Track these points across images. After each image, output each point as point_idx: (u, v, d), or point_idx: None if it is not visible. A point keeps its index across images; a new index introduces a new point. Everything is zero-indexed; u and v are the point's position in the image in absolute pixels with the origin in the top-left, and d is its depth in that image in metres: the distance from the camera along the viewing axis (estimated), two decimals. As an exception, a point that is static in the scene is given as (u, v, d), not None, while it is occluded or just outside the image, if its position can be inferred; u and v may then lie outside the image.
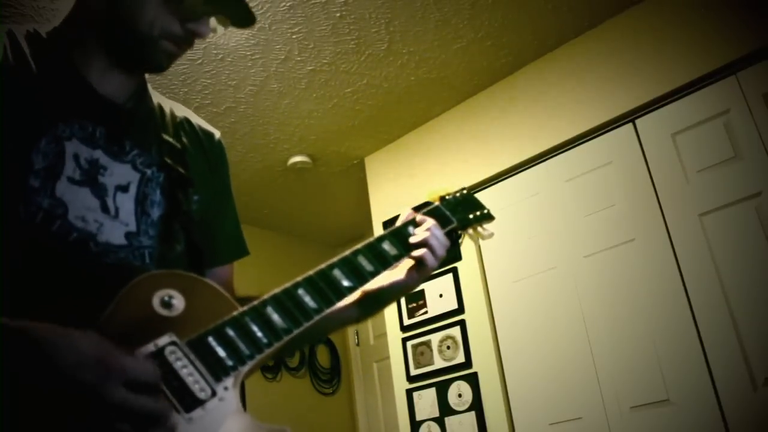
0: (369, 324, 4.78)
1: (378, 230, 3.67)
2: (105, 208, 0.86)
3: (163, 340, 0.71)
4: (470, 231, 1.23)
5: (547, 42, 3.09)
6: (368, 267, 0.97)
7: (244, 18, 1.00)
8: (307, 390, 4.52)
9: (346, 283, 0.92)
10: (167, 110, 1.05)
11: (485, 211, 1.26)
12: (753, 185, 2.48)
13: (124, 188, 0.89)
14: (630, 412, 2.60)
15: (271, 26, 2.74)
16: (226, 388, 0.73)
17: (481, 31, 2.95)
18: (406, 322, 3.38)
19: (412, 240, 1.06)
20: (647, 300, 2.64)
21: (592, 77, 2.99)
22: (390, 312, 3.49)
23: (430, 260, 1.07)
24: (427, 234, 1.07)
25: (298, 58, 2.97)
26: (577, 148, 3.01)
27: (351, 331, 4.91)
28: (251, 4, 2.70)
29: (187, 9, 0.90)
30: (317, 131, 3.56)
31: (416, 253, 1.06)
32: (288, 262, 4.53)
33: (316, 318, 0.85)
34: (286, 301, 0.84)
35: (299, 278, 0.88)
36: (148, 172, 0.93)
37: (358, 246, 0.99)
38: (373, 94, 3.30)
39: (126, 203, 0.89)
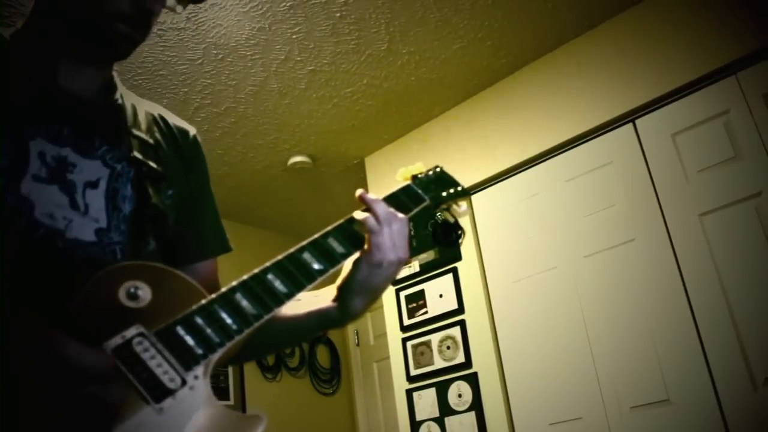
0: (369, 324, 4.78)
1: (378, 230, 3.67)
2: (74, 205, 0.85)
3: (130, 332, 0.71)
4: (444, 208, 1.19)
5: (547, 42, 3.09)
6: (339, 249, 0.95)
7: None
8: (307, 390, 4.53)
9: (316, 266, 0.91)
10: (139, 107, 1.03)
11: (459, 188, 1.20)
12: (753, 185, 2.49)
13: (93, 184, 0.88)
14: (630, 412, 2.61)
15: (271, 26, 2.74)
16: (196, 377, 0.73)
17: (481, 31, 2.95)
18: (406, 322, 3.38)
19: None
20: (647, 300, 2.64)
21: (591, 77, 2.99)
22: (390, 312, 3.49)
23: (381, 250, 0.99)
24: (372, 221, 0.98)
25: (298, 58, 2.97)
26: (577, 148, 3.01)
27: (351, 331, 4.92)
28: (251, 5, 2.69)
29: None
30: (317, 131, 3.56)
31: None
32: (288, 262, 4.52)
33: (287, 302, 0.84)
34: (256, 287, 0.83)
35: (268, 263, 0.87)
36: (118, 167, 0.92)
37: (328, 228, 0.98)
38: (373, 94, 3.31)
39: (96, 199, 0.88)
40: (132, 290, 0.76)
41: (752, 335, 2.37)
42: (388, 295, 3.51)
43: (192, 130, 1.11)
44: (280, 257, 0.89)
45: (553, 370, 2.85)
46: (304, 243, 0.92)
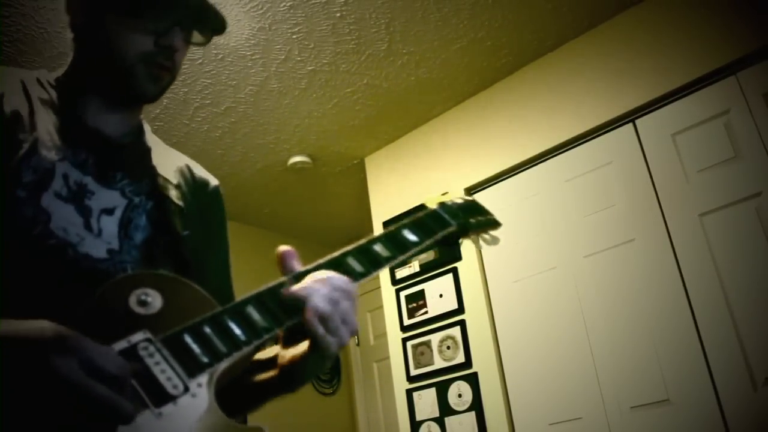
0: (369, 324, 4.78)
1: (378, 230, 3.67)
2: (88, 227, 0.88)
3: (136, 337, 0.71)
4: (473, 236, 1.15)
5: (547, 42, 3.09)
6: (358, 268, 0.91)
7: (214, 22, 1.01)
8: (307, 390, 4.52)
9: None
10: (166, 154, 1.08)
11: (490, 217, 1.18)
12: (753, 185, 2.49)
13: (109, 211, 0.91)
14: (630, 412, 2.60)
15: (271, 26, 2.74)
16: (199, 385, 0.72)
17: (481, 31, 2.95)
18: (406, 322, 3.38)
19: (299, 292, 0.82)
20: (647, 300, 2.64)
21: (592, 77, 2.99)
22: (390, 312, 3.49)
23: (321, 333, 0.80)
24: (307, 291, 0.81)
25: (298, 58, 2.97)
26: (577, 148, 3.01)
27: (351, 331, 4.91)
28: (251, 5, 2.69)
29: (150, 23, 0.93)
30: (317, 131, 3.56)
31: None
32: (288, 262, 4.52)
33: (297, 320, 0.81)
34: (268, 300, 0.82)
35: (283, 278, 0.86)
36: (136, 199, 0.95)
37: (350, 247, 0.94)
38: (373, 94, 3.31)
39: (109, 225, 0.90)
40: (142, 297, 0.76)
41: (752, 335, 2.37)
42: (388, 295, 3.51)
43: (214, 181, 1.14)
44: (298, 271, 0.87)
45: (553, 370, 2.85)
46: (322, 260, 0.89)
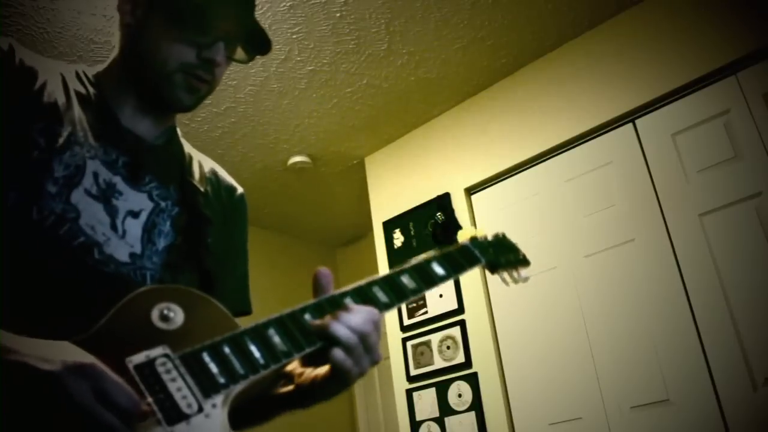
0: (369, 324, 4.78)
1: (378, 230, 3.67)
2: (113, 227, 0.89)
3: (155, 352, 0.70)
4: (502, 274, 1.17)
5: (547, 42, 3.09)
6: (383, 299, 0.91)
7: (261, 43, 1.03)
8: (307, 390, 4.52)
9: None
10: (196, 159, 1.08)
11: (520, 256, 1.20)
12: (753, 185, 2.49)
13: (134, 214, 0.92)
14: (630, 412, 2.60)
15: (271, 26, 2.74)
16: (214, 406, 0.71)
17: (481, 31, 2.95)
18: (406, 322, 3.39)
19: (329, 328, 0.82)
20: (647, 300, 2.64)
21: (592, 77, 2.99)
22: (390, 312, 3.48)
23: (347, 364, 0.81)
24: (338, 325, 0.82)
25: (298, 58, 2.97)
26: (577, 148, 3.01)
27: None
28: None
29: (196, 35, 0.93)
30: (317, 131, 3.56)
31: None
32: (288, 262, 4.53)
33: (319, 345, 0.81)
34: (290, 325, 0.81)
35: (308, 303, 0.85)
36: (163, 204, 0.96)
37: (376, 277, 0.94)
38: (373, 94, 3.30)
39: (134, 228, 0.91)
40: (165, 312, 0.76)
41: (752, 335, 2.37)
42: (388, 295, 3.51)
43: (239, 189, 1.16)
44: (322, 298, 0.86)
45: (553, 370, 2.85)
46: (347, 288, 0.89)
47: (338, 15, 2.74)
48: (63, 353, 0.65)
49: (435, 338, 3.24)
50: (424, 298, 3.33)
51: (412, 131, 3.67)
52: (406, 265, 0.99)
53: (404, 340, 3.37)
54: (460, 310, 3.20)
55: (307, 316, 0.83)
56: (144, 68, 0.94)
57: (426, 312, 3.32)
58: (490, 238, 1.20)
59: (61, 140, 0.86)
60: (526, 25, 2.94)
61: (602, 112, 2.92)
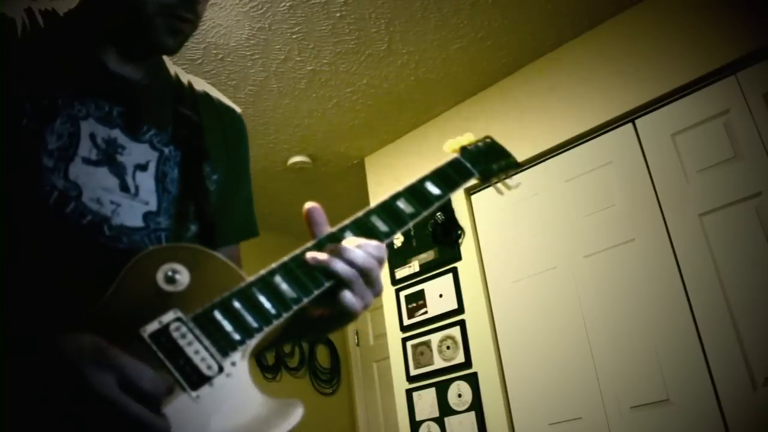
0: (369, 324, 4.78)
1: (378, 230, 3.67)
2: (124, 187, 0.84)
3: (167, 317, 0.69)
4: (494, 182, 1.13)
5: (547, 42, 3.09)
6: (383, 227, 0.89)
7: None
8: (307, 390, 4.52)
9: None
10: (185, 82, 1.02)
11: (510, 160, 1.15)
12: (753, 185, 2.48)
13: (143, 167, 0.87)
14: (630, 412, 2.60)
15: (271, 26, 2.74)
16: (233, 363, 0.71)
17: (481, 31, 2.95)
18: (406, 322, 3.38)
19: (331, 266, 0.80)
20: (647, 300, 2.64)
21: (592, 77, 2.99)
22: (390, 312, 3.49)
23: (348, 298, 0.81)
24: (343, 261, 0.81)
25: (298, 58, 2.97)
26: (577, 148, 3.01)
27: (351, 331, 4.92)
28: (251, 5, 2.68)
29: None
30: (317, 131, 3.56)
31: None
32: (288, 262, 4.52)
33: (327, 286, 0.79)
34: (296, 269, 0.79)
35: (309, 243, 0.83)
36: (166, 150, 0.91)
37: (373, 205, 0.92)
38: (373, 94, 3.30)
39: (146, 181, 0.87)
40: (170, 273, 0.74)
41: (752, 335, 2.37)
42: (388, 295, 3.51)
43: (237, 109, 1.10)
44: (321, 236, 0.84)
45: (553, 370, 2.85)
46: (346, 222, 0.88)
47: (338, 15, 2.74)
48: (80, 343, 0.63)
49: (435, 338, 3.24)
50: (424, 299, 3.33)
51: (412, 131, 3.67)
52: (401, 188, 0.95)
53: (404, 340, 3.37)
54: (460, 310, 3.20)
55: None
56: (120, 15, 0.87)
57: (426, 312, 3.32)
58: (479, 144, 1.15)
59: (46, 102, 0.80)
60: (525, 25, 2.94)
61: (602, 112, 2.92)
